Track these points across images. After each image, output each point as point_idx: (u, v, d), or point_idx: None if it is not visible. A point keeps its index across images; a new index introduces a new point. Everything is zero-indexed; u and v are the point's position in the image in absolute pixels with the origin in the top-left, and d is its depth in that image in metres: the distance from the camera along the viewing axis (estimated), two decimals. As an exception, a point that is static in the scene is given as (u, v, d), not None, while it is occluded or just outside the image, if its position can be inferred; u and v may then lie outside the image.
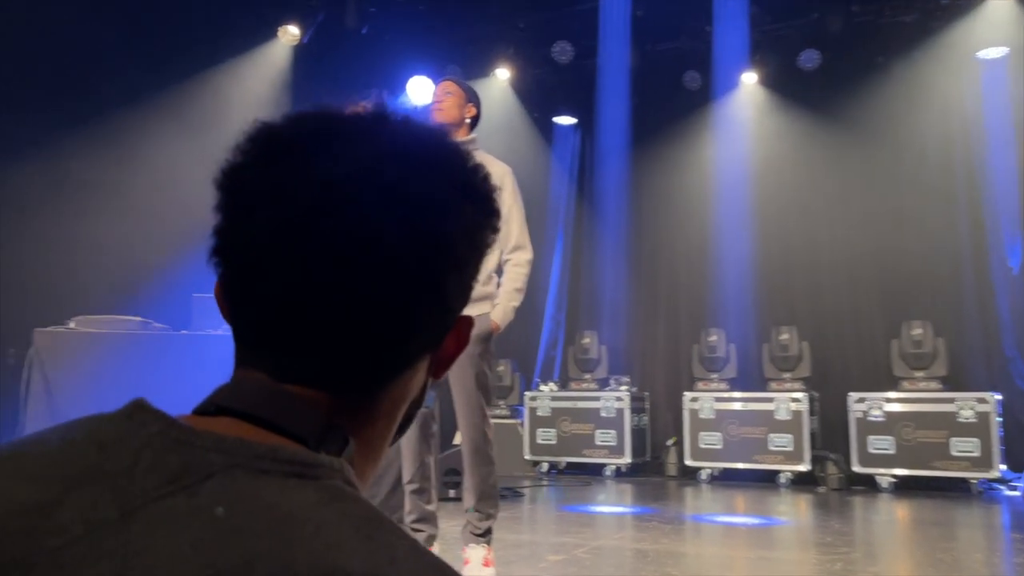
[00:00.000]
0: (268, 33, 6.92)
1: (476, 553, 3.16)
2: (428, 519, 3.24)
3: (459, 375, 3.13)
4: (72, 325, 4.40)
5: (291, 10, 6.93)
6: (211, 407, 0.60)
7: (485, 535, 3.19)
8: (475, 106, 3.34)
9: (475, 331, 3.04)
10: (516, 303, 3.20)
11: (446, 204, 0.63)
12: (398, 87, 7.88)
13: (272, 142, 0.64)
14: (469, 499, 3.23)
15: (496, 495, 3.26)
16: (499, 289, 3.21)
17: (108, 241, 5.50)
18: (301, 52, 7.10)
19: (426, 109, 3.49)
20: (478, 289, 2.99)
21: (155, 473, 0.52)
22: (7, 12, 5.48)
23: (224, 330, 4.00)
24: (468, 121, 3.31)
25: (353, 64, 7.43)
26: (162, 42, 6.09)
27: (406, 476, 3.27)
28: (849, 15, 7.08)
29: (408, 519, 3.22)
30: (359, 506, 0.54)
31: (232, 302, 0.64)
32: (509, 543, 4.01)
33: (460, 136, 3.25)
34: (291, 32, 6.94)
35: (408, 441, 3.23)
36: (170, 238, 5.48)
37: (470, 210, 0.65)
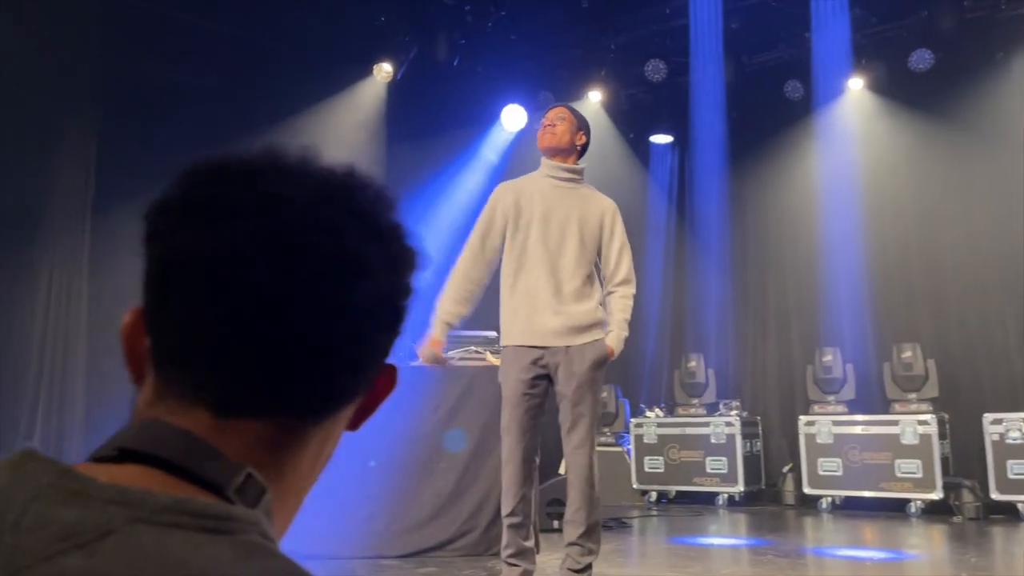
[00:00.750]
0: (363, 72, 7.11)
1: None
2: (525, 554, 3.14)
3: (572, 400, 3.04)
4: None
5: (384, 48, 7.10)
6: (113, 452, 0.54)
7: (585, 571, 3.06)
8: (585, 134, 3.33)
9: (592, 357, 3.03)
10: (626, 332, 3.16)
11: (351, 269, 0.58)
12: (492, 116, 7.95)
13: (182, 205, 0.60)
14: (572, 532, 3.09)
15: (599, 529, 3.15)
16: (608, 317, 3.16)
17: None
18: (395, 88, 7.25)
19: (532, 131, 3.56)
20: (590, 316, 2.96)
21: (45, 529, 0.45)
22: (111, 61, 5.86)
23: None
24: (579, 148, 3.30)
25: (447, 96, 7.54)
26: (256, 86, 6.36)
27: (505, 509, 3.16)
28: (961, 11, 6.66)
29: (504, 553, 3.13)
30: (278, 562, 0.48)
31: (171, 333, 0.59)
32: (612, 578, 3.85)
33: (569, 163, 3.26)
34: (385, 69, 7.11)
35: (509, 473, 3.13)
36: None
37: (383, 273, 0.60)
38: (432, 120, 7.37)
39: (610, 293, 3.21)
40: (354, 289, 0.58)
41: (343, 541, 4.32)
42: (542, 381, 3.09)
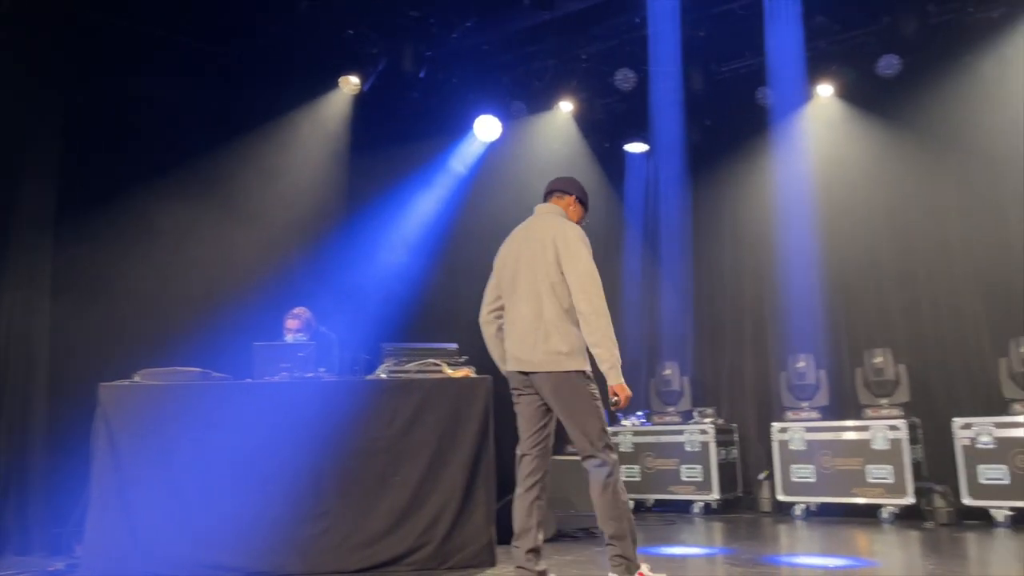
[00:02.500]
0: (330, 84, 7.12)
1: None
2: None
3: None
4: (137, 379, 4.55)
5: (352, 60, 7.10)
6: None
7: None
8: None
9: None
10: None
11: None
12: (464, 127, 7.95)
13: None
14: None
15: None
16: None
17: (166, 297, 5.76)
18: (362, 100, 7.26)
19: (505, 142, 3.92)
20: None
21: None
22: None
23: (281, 377, 4.04)
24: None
25: (415, 108, 7.55)
26: (222, 99, 6.38)
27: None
28: (925, 16, 6.66)
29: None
30: None
31: None
32: (564, 590, 3.83)
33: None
34: (352, 82, 7.11)
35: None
36: (227, 291, 5.67)
37: None
38: (400, 132, 7.38)
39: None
40: None
41: (295, 557, 4.30)
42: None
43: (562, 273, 3.44)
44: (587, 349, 3.46)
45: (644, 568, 3.46)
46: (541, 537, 3.47)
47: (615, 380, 3.37)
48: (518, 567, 3.47)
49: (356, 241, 7.09)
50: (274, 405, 4.52)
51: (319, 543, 4.34)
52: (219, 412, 4.46)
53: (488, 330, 3.75)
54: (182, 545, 4.25)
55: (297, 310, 5.87)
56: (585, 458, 3.47)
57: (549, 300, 3.42)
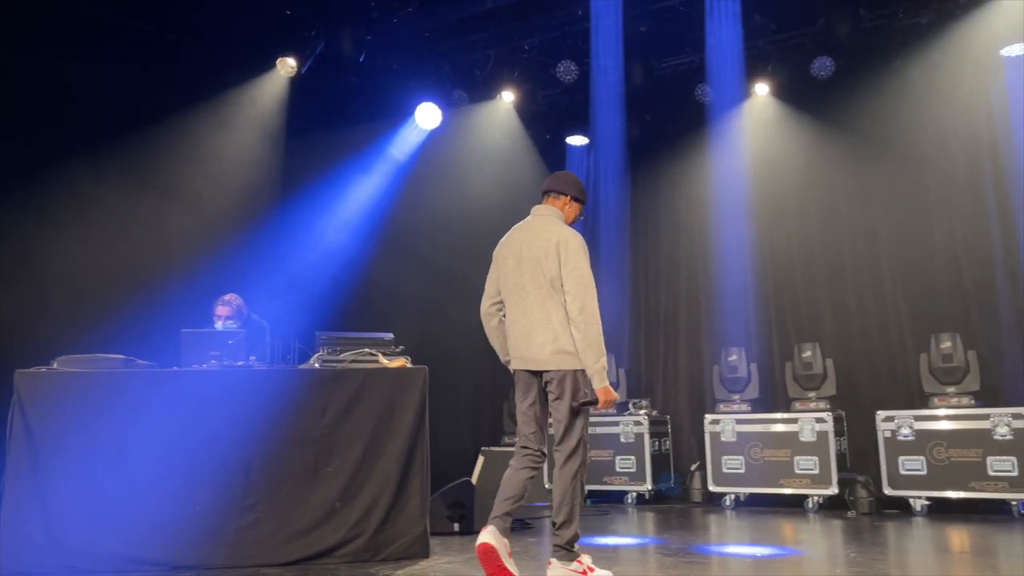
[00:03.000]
0: (267, 65, 6.94)
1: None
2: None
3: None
4: (55, 365, 4.37)
5: (289, 42, 6.94)
6: None
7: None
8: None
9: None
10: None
11: None
12: (404, 114, 7.85)
13: None
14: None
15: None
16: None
17: (91, 278, 5.53)
18: (300, 82, 7.10)
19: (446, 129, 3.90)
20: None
21: None
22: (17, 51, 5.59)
23: (210, 365, 3.91)
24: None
25: (354, 93, 7.41)
26: (154, 77, 6.16)
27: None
28: (857, 19, 6.84)
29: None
30: None
31: None
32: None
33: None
34: (289, 63, 6.95)
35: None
36: (155, 275, 5.48)
37: None
38: (338, 116, 7.24)
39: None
40: None
41: (222, 549, 4.19)
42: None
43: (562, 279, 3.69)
44: None
45: (585, 558, 3.64)
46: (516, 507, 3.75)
47: (600, 384, 3.61)
48: (494, 517, 3.68)
49: (291, 226, 6.95)
50: (202, 394, 4.38)
51: (247, 535, 4.24)
52: (144, 401, 4.30)
53: (491, 322, 3.91)
54: (103, 539, 4.10)
55: (227, 296, 5.71)
56: (565, 452, 3.66)
57: (556, 304, 3.66)
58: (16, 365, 4.29)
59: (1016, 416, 5.91)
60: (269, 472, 4.34)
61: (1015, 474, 5.85)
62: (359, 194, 7.42)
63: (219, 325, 5.56)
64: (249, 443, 4.34)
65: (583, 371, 3.65)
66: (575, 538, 3.66)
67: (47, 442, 4.16)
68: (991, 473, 5.94)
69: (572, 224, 3.93)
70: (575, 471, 3.67)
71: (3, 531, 4.06)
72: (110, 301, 5.69)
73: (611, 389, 3.64)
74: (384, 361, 4.68)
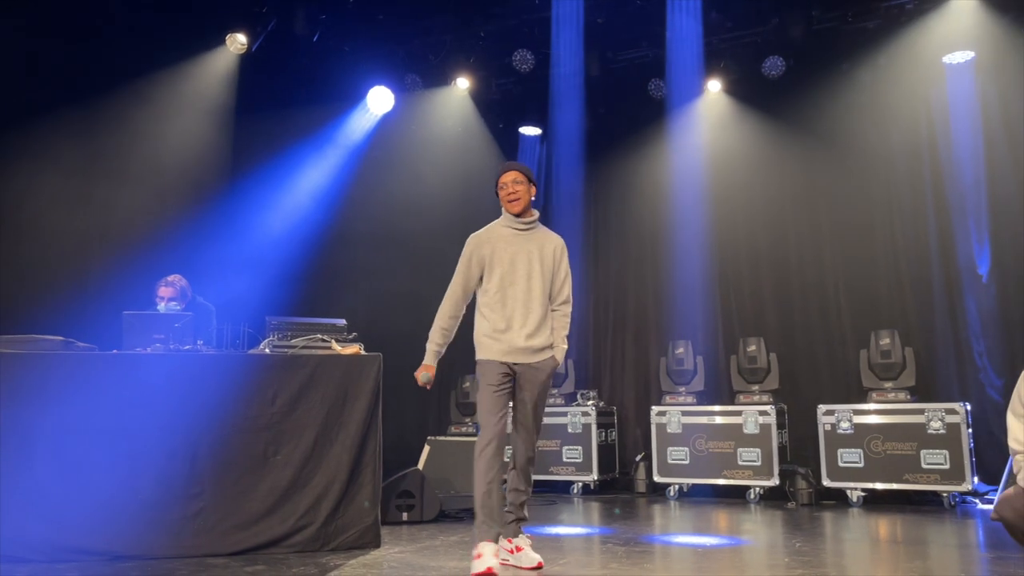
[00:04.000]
0: (215, 41, 6.73)
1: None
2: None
3: (534, 403, 3.87)
4: (-11, 346, 4.16)
5: (240, 18, 6.73)
6: None
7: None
8: (536, 186, 4.08)
9: (549, 370, 3.90)
10: (567, 346, 4.01)
11: None
12: (356, 96, 7.71)
13: None
14: (515, 506, 3.97)
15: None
16: (553, 332, 3.95)
17: (32, 258, 5.30)
18: (249, 60, 6.90)
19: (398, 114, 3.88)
20: (544, 339, 3.91)
21: None
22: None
23: (154, 349, 3.76)
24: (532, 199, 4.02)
25: (306, 73, 7.24)
26: (98, 49, 5.90)
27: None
28: (810, 21, 6.98)
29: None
30: None
31: None
32: (448, 571, 3.79)
33: (530, 216, 3.98)
34: (239, 40, 6.75)
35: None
36: (96, 254, 5.27)
37: None
38: (289, 96, 7.08)
39: (554, 311, 3.98)
40: None
41: (165, 539, 4.06)
42: (510, 383, 3.87)
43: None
44: None
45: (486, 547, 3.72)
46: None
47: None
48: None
49: (240, 207, 6.76)
50: (146, 379, 4.23)
51: (192, 525, 4.12)
52: (83, 385, 4.13)
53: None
54: (40, 528, 3.93)
55: (171, 277, 5.51)
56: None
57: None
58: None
59: (949, 411, 6.13)
60: (216, 460, 4.22)
61: (947, 467, 6.07)
62: (310, 176, 7.27)
63: (161, 307, 5.38)
64: (195, 430, 4.21)
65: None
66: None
67: (-21, 426, 3.96)
68: (924, 466, 6.16)
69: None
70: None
71: (-71, 519, 3.85)
72: (48, 281, 5.45)
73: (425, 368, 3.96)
74: (337, 348, 4.59)
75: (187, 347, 4.42)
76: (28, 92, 5.67)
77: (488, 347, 3.88)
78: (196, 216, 6.52)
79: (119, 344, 4.46)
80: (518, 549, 3.90)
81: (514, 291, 3.90)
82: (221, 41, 6.77)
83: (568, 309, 4.05)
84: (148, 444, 4.14)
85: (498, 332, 3.86)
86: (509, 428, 3.92)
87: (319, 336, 4.62)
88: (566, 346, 4.01)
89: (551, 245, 4.03)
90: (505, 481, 3.94)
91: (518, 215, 3.97)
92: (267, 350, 4.51)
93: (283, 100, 7.03)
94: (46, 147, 5.78)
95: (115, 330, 4.49)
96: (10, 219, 5.59)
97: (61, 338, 4.28)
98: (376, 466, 4.46)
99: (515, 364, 3.85)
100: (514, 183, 3.96)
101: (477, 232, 4.02)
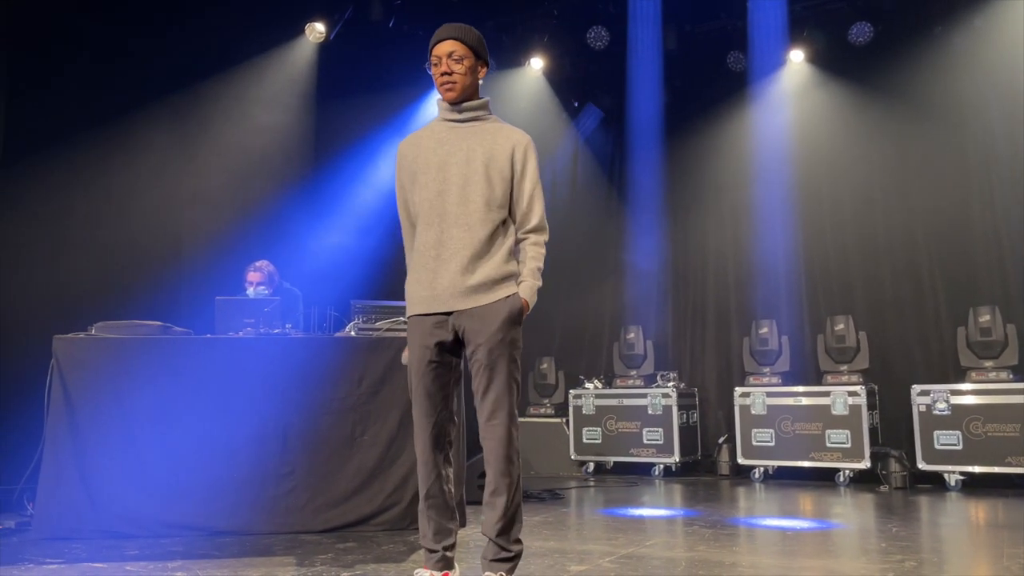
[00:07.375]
0: (295, 31, 6.85)
1: None
2: (446, 535, 2.85)
3: (486, 364, 2.68)
4: (93, 332, 4.35)
5: (317, 7, 6.84)
6: None
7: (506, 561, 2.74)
8: (486, 63, 2.86)
9: (506, 312, 2.70)
10: (540, 283, 2.80)
11: None
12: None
13: None
14: (490, 521, 2.74)
15: (520, 518, 2.76)
16: (520, 267, 2.81)
17: (128, 246, 5.51)
18: (328, 48, 7.01)
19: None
20: (500, 268, 2.42)
21: None
22: (36, 15, 5.52)
23: (245, 332, 3.88)
24: (480, 82, 2.86)
25: (383, 58, 7.31)
26: (186, 43, 6.10)
27: (422, 491, 2.83)
28: (901, -17, 6.65)
29: (423, 541, 2.83)
30: None
31: None
32: (533, 551, 3.80)
33: (475, 104, 2.84)
34: (318, 29, 6.86)
35: (421, 451, 2.82)
36: (188, 241, 5.45)
37: None
38: (367, 82, 7.16)
39: (521, 240, 2.84)
40: None
41: (260, 516, 4.20)
42: (451, 347, 2.78)
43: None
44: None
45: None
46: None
47: None
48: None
49: (324, 193, 6.90)
50: (239, 361, 4.37)
51: (284, 502, 4.24)
52: (180, 368, 4.29)
53: None
54: (141, 504, 4.12)
55: (259, 263, 5.67)
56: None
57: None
58: (53, 331, 4.29)
59: (1056, 391, 5.82)
60: (305, 440, 4.33)
61: (1053, 450, 5.77)
62: (392, 161, 7.36)
63: (250, 292, 5.54)
64: (285, 411, 4.32)
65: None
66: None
67: (85, 408, 4.16)
68: (1028, 448, 5.86)
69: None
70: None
71: (42, 496, 4.08)
72: (145, 268, 5.68)
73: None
74: (419, 330, 4.63)
75: (276, 331, 4.54)
76: (119, 86, 5.89)
77: (411, 295, 2.83)
78: (281, 203, 6.69)
79: (212, 328, 4.61)
80: None
81: (443, 205, 2.75)
82: (301, 31, 6.89)
83: (541, 239, 2.84)
84: (241, 424, 4.28)
85: (424, 268, 2.77)
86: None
87: (403, 319, 4.67)
88: (538, 282, 2.79)
89: (506, 142, 2.81)
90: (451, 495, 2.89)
91: (455, 103, 2.82)
92: (353, 333, 4.59)
93: (362, 86, 7.13)
94: (138, 140, 6.01)
95: (208, 315, 4.64)
96: (102, 205, 5.84)
97: (159, 323, 4.45)
98: (460, 446, 4.49)
99: (451, 314, 2.73)
100: (450, 58, 2.76)
101: (406, 137, 2.97)
